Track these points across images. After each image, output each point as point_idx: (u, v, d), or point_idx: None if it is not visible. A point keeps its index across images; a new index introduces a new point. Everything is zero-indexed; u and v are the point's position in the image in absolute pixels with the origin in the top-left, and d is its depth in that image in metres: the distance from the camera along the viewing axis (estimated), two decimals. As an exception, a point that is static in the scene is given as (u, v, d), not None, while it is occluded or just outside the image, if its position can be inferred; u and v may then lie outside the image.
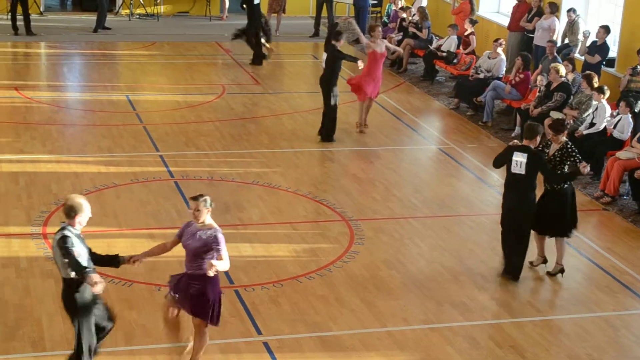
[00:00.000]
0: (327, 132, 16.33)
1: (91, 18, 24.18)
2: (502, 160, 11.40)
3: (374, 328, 10.21)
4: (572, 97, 16.20)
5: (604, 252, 12.56)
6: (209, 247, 8.71)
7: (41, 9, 25.22)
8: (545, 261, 11.88)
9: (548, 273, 11.78)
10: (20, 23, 22.88)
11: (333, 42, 16.16)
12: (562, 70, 16.40)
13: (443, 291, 11.16)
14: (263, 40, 21.30)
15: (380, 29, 17.09)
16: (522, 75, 17.69)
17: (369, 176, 14.97)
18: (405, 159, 16.04)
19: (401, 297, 10.94)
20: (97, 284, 8.03)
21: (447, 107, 18.98)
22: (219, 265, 8.65)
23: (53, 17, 25.31)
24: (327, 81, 16.19)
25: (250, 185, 14.17)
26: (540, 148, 11.41)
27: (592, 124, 15.39)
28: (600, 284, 11.61)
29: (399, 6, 23.01)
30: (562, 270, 11.74)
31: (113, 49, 22.49)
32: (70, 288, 8.33)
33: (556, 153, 11.37)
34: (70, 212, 8.29)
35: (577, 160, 11.26)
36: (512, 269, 11.49)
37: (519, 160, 11.09)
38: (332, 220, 13.05)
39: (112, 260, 8.83)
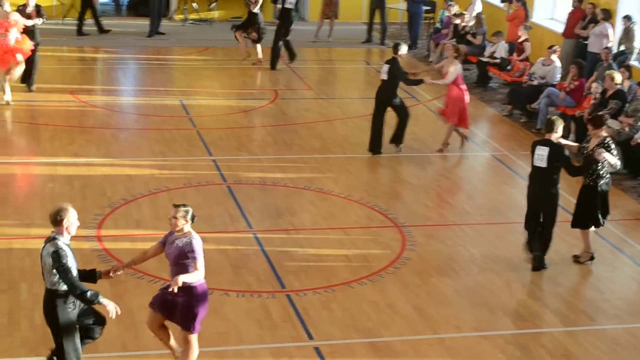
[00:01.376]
0: (399, 135, 16.11)
1: (146, 23, 24.39)
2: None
3: (426, 335, 10.18)
4: (627, 104, 16.04)
5: (659, 261, 12.43)
6: (185, 254, 8.63)
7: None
8: (592, 257, 12.08)
9: (576, 260, 12.10)
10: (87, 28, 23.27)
11: (394, 54, 15.92)
12: (618, 77, 16.22)
13: (495, 299, 11.09)
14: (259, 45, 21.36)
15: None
16: (576, 82, 17.55)
17: (421, 182, 14.94)
18: (458, 166, 15.99)
19: (453, 304, 10.89)
20: (110, 310, 8.13)
21: (500, 114, 18.89)
22: (187, 278, 8.49)
23: (108, 22, 25.53)
24: (391, 92, 15.88)
25: (302, 190, 14.20)
26: (582, 144, 11.88)
27: (648, 132, 15.24)
28: (656, 294, 11.51)
29: (452, 12, 22.92)
30: (592, 258, 12.05)
31: (167, 53, 22.67)
32: (53, 300, 8.22)
33: (595, 147, 11.59)
34: (56, 216, 8.18)
35: (612, 155, 11.52)
36: (535, 260, 11.76)
37: (541, 153, 11.47)
38: (383, 226, 13.03)
39: (89, 276, 8.65)
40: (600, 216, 11.89)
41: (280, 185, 14.31)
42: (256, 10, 21.12)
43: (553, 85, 18.20)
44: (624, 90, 16.35)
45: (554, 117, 11.83)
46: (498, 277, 11.67)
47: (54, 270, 8.10)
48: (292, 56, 21.55)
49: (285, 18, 21.16)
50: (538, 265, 11.77)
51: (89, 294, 8.08)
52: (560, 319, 10.69)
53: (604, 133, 11.70)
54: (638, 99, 15.84)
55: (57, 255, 8.07)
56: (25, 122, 16.75)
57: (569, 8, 20.91)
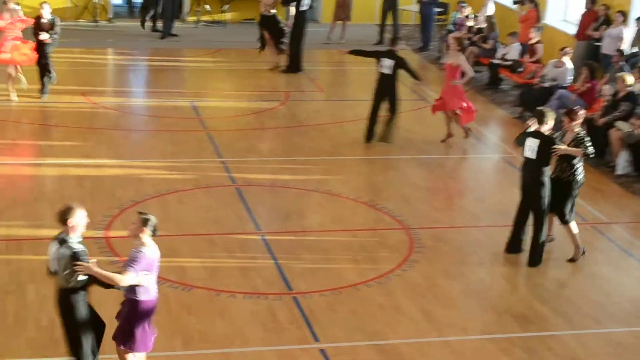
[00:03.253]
0: (389, 134, 16.32)
1: (158, 25, 24.44)
2: (521, 141, 11.89)
3: (432, 337, 10.17)
4: (638, 107, 15.99)
5: (668, 264, 12.40)
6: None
7: (109, 16, 25.57)
8: (583, 252, 12.24)
9: (571, 260, 12.14)
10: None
11: (392, 48, 16.22)
12: (629, 79, 16.19)
13: (503, 301, 11.09)
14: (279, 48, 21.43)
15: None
16: (588, 85, 17.51)
17: (429, 184, 14.93)
18: (467, 168, 15.99)
19: (460, 307, 10.89)
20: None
21: (510, 116, 18.85)
22: (103, 272, 8.13)
23: (121, 23, 25.66)
24: (394, 86, 16.22)
25: (311, 192, 14.22)
26: (557, 137, 11.97)
27: (658, 135, 15.20)
28: (664, 297, 11.47)
29: (465, 14, 22.90)
30: (583, 252, 12.22)
31: (179, 55, 22.73)
32: (69, 298, 8.23)
33: (570, 143, 11.83)
34: (63, 216, 8.16)
35: (585, 148, 11.75)
36: (532, 254, 11.93)
37: (531, 145, 11.62)
38: (392, 228, 13.03)
39: None
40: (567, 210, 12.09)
41: (290, 187, 14.33)
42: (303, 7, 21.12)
43: (564, 88, 18.16)
44: (635, 93, 16.30)
45: (545, 109, 11.94)
46: (505, 279, 11.66)
47: (69, 271, 8.11)
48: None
49: (299, 21, 21.16)
50: (536, 259, 11.91)
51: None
52: (568, 322, 10.66)
53: (578, 128, 11.95)
54: (649, 102, 15.81)
55: (76, 258, 8.08)
56: (36, 123, 16.84)
57: (582, 10, 20.86)
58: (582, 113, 12.09)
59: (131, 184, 14.06)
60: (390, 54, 16.26)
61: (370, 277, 11.48)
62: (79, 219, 8.26)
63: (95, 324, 8.60)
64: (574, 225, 12.14)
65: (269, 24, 21.22)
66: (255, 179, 14.62)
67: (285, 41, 21.29)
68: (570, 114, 12.01)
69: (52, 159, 15.04)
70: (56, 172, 14.45)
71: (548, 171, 11.76)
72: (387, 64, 16.16)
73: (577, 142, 11.81)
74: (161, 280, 10.86)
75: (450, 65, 16.41)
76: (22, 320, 9.98)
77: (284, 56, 21.47)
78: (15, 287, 10.70)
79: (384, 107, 16.43)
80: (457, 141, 16.87)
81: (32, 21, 17.69)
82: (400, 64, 16.20)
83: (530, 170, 11.78)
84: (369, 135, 16.56)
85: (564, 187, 11.95)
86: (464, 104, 16.46)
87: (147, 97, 19.37)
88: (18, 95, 18.00)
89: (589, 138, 11.96)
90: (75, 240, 8.22)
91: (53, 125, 16.70)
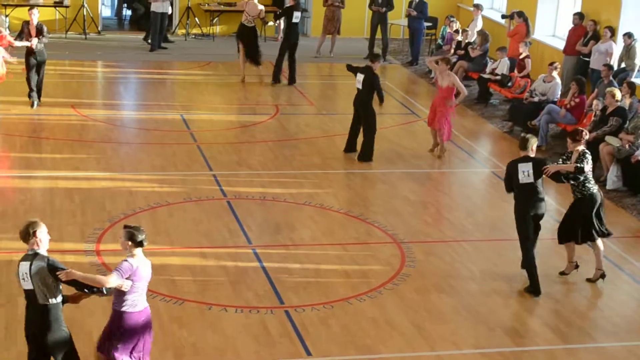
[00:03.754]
0: (366, 152, 16.32)
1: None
2: (510, 179, 11.79)
3: (424, 352, 10.16)
4: (628, 121, 16.04)
5: (659, 279, 12.41)
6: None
7: (99, 28, 25.55)
8: (576, 266, 12.17)
9: (588, 280, 12.04)
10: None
11: (370, 64, 16.21)
12: (618, 94, 16.25)
13: (494, 316, 11.08)
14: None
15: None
16: (577, 100, 17.55)
17: (420, 198, 14.93)
18: (457, 182, 15.99)
19: (452, 321, 10.88)
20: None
21: (500, 130, 18.88)
22: (82, 275, 8.14)
23: (110, 36, 25.63)
24: (365, 102, 16.22)
25: (302, 205, 14.20)
26: (564, 157, 11.92)
27: (648, 149, 15.24)
28: (654, 312, 11.48)
29: (454, 29, 22.96)
30: (602, 276, 12.03)
31: (169, 68, 22.71)
32: (48, 315, 8.20)
33: (575, 161, 11.77)
34: (28, 229, 8.11)
35: (579, 162, 11.68)
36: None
37: (525, 169, 11.51)
38: (383, 242, 13.02)
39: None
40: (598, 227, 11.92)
41: (280, 201, 14.31)
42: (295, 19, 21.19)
43: (554, 102, 18.21)
44: (625, 108, 16.36)
45: (528, 135, 11.87)
46: (496, 293, 11.66)
47: (50, 282, 8.08)
48: (292, 79, 21.46)
49: (291, 34, 21.17)
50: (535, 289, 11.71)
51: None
52: (559, 337, 10.66)
53: (581, 147, 11.81)
54: (639, 116, 15.84)
55: (54, 267, 8.06)
56: (26, 135, 16.77)
57: (570, 25, 20.94)
58: (585, 134, 12.01)
59: (121, 197, 14.02)
60: (365, 70, 16.24)
61: (362, 291, 11.46)
62: (44, 232, 8.22)
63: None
64: (599, 243, 12.03)
65: (248, 35, 21.23)
66: (245, 192, 14.60)
67: (259, 56, 21.35)
68: (574, 135, 11.84)
69: (41, 172, 14.98)
70: (46, 184, 14.39)
71: (542, 192, 11.69)
72: (359, 78, 16.22)
73: (578, 160, 11.70)
74: (152, 293, 10.85)
75: (448, 87, 16.38)
76: (12, 333, 9.91)
77: (257, 68, 21.57)
78: (5, 301, 10.65)
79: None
80: (446, 155, 16.88)
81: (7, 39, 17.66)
82: (369, 80, 16.15)
83: (529, 195, 11.58)
84: (347, 147, 16.63)
85: (583, 208, 11.82)
86: (446, 126, 16.51)
87: (137, 109, 19.33)
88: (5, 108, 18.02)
89: (589, 155, 11.82)
90: (45, 253, 8.16)
91: (43, 138, 16.65)
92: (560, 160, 11.92)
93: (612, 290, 12.00)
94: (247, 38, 21.26)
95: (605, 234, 12.00)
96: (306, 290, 11.40)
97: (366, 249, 12.77)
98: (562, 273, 12.21)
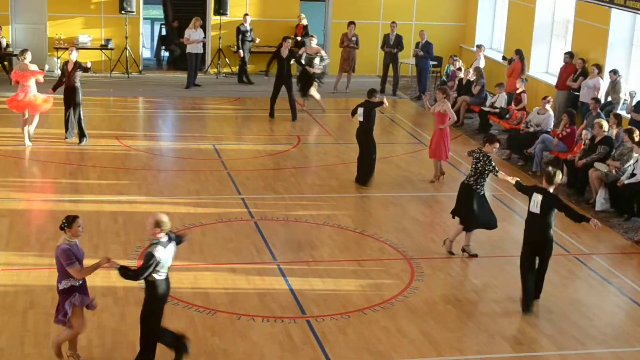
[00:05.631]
0: (365, 176, 16.31)
1: (183, 76, 24.55)
2: (525, 191, 11.68)
3: (432, 357, 10.12)
4: (614, 149, 15.99)
5: (643, 291, 12.33)
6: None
7: (140, 68, 25.70)
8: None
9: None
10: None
11: (367, 99, 16.20)
12: (605, 125, 16.22)
13: (495, 325, 11.03)
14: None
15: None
16: (568, 130, 17.51)
17: (428, 219, 14.91)
18: (461, 204, 15.93)
19: (457, 330, 10.83)
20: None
21: (499, 158, 18.82)
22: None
23: (150, 75, 25.75)
24: (366, 131, 16.24)
25: (322, 226, 14.19)
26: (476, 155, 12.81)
27: (632, 175, 15.17)
28: (640, 321, 11.40)
29: (457, 67, 22.98)
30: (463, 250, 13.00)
31: (202, 103, 22.78)
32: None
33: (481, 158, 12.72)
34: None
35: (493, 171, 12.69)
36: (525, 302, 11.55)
37: (536, 200, 11.21)
38: (394, 258, 13.00)
39: None
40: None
41: (302, 222, 14.31)
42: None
43: (547, 132, 18.17)
44: (611, 137, 16.31)
45: (556, 170, 11.37)
46: (497, 305, 11.61)
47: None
48: (293, 116, 21.55)
49: (304, 76, 21.47)
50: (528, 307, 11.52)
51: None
52: (554, 344, 10.61)
53: (492, 150, 12.75)
54: (624, 145, 15.79)
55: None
56: (75, 163, 16.85)
57: (561, 63, 20.93)
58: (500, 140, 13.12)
59: (160, 219, 14.01)
60: (364, 104, 16.27)
61: (376, 302, 11.43)
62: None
63: None
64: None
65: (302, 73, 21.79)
66: (271, 213, 14.60)
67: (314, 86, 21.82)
68: (487, 138, 13.02)
69: (89, 196, 15.05)
70: (93, 207, 14.44)
71: (551, 225, 11.36)
72: (360, 112, 16.26)
73: (485, 161, 12.75)
74: (187, 304, 10.87)
75: (439, 113, 16.45)
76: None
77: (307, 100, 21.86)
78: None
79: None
80: (450, 180, 16.85)
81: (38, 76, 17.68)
82: (369, 109, 16.15)
83: (534, 225, 11.28)
84: (357, 177, 16.46)
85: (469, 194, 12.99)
86: (445, 152, 16.49)
87: (174, 140, 19.39)
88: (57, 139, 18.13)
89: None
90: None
91: (90, 166, 16.72)
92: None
93: (601, 302, 11.94)
94: (302, 75, 21.89)
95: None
96: (325, 301, 11.39)
97: (379, 264, 12.75)
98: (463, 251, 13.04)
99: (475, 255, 13.01)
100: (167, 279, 9.16)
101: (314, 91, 21.89)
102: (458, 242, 13.21)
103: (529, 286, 11.41)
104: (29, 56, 17.73)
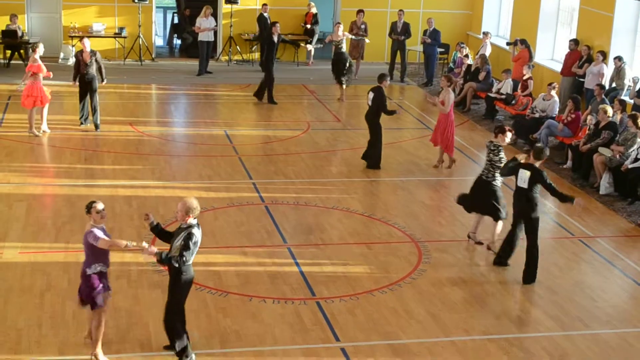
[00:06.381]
0: (375, 160, 16.33)
1: (195, 63, 24.55)
2: (509, 172, 11.97)
3: (439, 338, 10.14)
4: (618, 134, 15.95)
5: (647, 273, 12.32)
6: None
7: (153, 56, 25.70)
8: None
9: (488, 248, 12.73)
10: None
11: (379, 84, 16.18)
12: (610, 111, 16.17)
13: (501, 306, 11.04)
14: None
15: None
16: (573, 115, 17.46)
17: (435, 203, 14.91)
18: (468, 189, 15.87)
19: (463, 311, 10.85)
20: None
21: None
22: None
23: (163, 62, 25.75)
24: (373, 116, 16.23)
25: (331, 209, 14.21)
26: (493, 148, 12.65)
27: (636, 159, 15.12)
28: (643, 303, 11.39)
29: (464, 54, 22.91)
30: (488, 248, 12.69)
31: (214, 90, 22.79)
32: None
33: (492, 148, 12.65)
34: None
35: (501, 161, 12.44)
36: (526, 274, 11.72)
37: (523, 175, 11.52)
38: (402, 241, 13.01)
39: None
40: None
41: (312, 205, 14.32)
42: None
43: (552, 118, 18.13)
44: (616, 122, 16.26)
45: (542, 147, 11.77)
46: (503, 286, 11.62)
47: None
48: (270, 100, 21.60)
49: (338, 62, 21.79)
50: (528, 278, 11.74)
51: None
52: (559, 324, 10.61)
53: (507, 140, 12.74)
54: (628, 130, 15.74)
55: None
56: (90, 149, 16.90)
57: (567, 50, 20.85)
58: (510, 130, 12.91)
59: (173, 203, 14.00)
60: (374, 89, 16.25)
61: (384, 284, 11.45)
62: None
63: None
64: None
65: (336, 59, 21.96)
66: (281, 197, 14.62)
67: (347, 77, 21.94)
68: (497, 128, 12.95)
69: (104, 181, 15.09)
70: (107, 192, 14.48)
71: (536, 199, 11.67)
72: (370, 96, 16.26)
73: (493, 150, 12.68)
74: (200, 286, 10.92)
75: (442, 102, 16.40)
76: (79, 322, 10.01)
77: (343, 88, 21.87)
78: (73, 293, 10.69)
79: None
80: (458, 165, 16.84)
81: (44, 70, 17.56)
82: (376, 97, 16.15)
83: (521, 198, 11.67)
84: (367, 159, 16.59)
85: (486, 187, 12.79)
86: (449, 140, 16.42)
87: (186, 126, 19.42)
88: (71, 125, 18.18)
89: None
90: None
91: (105, 151, 16.76)
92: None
93: (605, 284, 11.93)
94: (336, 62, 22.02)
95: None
96: (335, 283, 11.41)
97: (387, 247, 12.76)
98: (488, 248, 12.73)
99: (481, 243, 12.95)
100: (191, 265, 9.12)
101: (345, 79, 21.87)
102: (481, 231, 13.09)
103: (508, 239, 11.90)
104: (39, 50, 17.61)
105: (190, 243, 8.84)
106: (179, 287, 9.00)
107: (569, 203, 11.48)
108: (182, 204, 8.94)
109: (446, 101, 16.28)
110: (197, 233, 8.94)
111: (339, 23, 23.05)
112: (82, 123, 18.22)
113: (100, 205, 9.03)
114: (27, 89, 17.40)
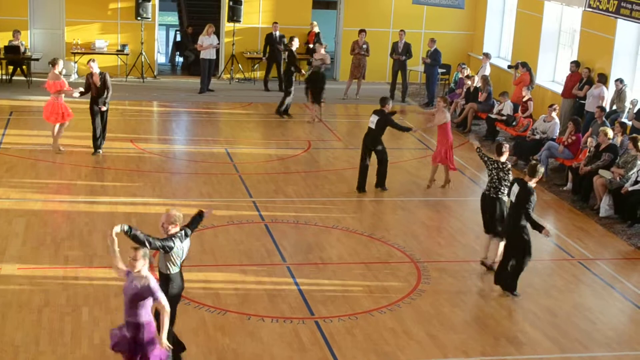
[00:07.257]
0: (382, 180, 16.28)
1: (197, 81, 24.60)
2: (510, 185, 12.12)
3: (437, 358, 10.12)
4: (619, 157, 15.96)
5: (646, 296, 12.29)
6: (142, 296, 8.31)
7: (155, 73, 25.77)
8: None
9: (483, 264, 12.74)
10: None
11: (382, 107, 16.12)
12: (610, 133, 16.19)
13: (499, 327, 11.02)
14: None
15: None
16: (573, 137, 17.49)
17: (435, 223, 14.90)
18: (468, 209, 15.91)
19: (462, 332, 10.82)
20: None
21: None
22: (166, 327, 8.36)
23: (165, 79, 25.81)
24: (377, 138, 16.09)
25: (331, 229, 14.20)
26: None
27: (636, 182, 15.13)
28: (642, 326, 11.36)
29: (465, 74, 22.97)
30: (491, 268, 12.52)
31: (215, 108, 22.82)
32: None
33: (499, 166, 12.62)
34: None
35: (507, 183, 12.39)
36: (504, 282, 11.90)
37: (514, 190, 11.67)
38: (401, 261, 12.99)
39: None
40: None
41: (312, 224, 14.32)
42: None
43: (553, 140, 18.14)
44: (616, 145, 16.28)
45: (539, 165, 11.77)
46: (502, 307, 11.59)
47: None
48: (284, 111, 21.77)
49: (314, 80, 21.69)
50: (511, 287, 11.90)
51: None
52: (557, 346, 10.58)
53: (503, 158, 12.69)
54: (628, 152, 15.76)
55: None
56: (90, 166, 16.90)
57: (567, 72, 20.90)
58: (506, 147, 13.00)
59: (173, 220, 14.03)
60: (378, 112, 16.18)
61: (383, 304, 11.43)
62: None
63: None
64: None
65: (316, 79, 21.73)
66: (281, 216, 14.62)
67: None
68: (496, 147, 13.04)
69: (104, 198, 15.09)
70: (107, 209, 14.48)
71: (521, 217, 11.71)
72: (372, 119, 16.15)
73: (501, 169, 12.56)
74: (199, 304, 10.89)
75: (434, 114, 16.51)
76: (77, 338, 9.98)
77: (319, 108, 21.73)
78: (71, 310, 10.71)
79: (373, 157, 16.34)
80: (458, 186, 16.85)
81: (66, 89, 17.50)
82: (384, 120, 16.02)
83: (511, 213, 11.85)
84: (360, 187, 16.18)
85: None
86: (449, 159, 16.43)
87: (187, 144, 19.44)
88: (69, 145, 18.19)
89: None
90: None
91: (105, 168, 16.77)
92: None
93: (605, 306, 11.90)
94: (315, 82, 21.72)
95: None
96: (334, 303, 11.39)
97: (387, 267, 12.75)
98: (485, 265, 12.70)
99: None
100: (181, 274, 9.17)
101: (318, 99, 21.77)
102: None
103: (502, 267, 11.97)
104: (59, 66, 17.53)
105: (164, 240, 8.98)
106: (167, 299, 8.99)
107: (537, 231, 11.57)
108: (163, 216, 9.15)
109: (437, 117, 16.34)
110: (177, 241, 9.03)
111: (322, 44, 22.95)
112: (94, 153, 17.73)
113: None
114: (50, 105, 17.40)
